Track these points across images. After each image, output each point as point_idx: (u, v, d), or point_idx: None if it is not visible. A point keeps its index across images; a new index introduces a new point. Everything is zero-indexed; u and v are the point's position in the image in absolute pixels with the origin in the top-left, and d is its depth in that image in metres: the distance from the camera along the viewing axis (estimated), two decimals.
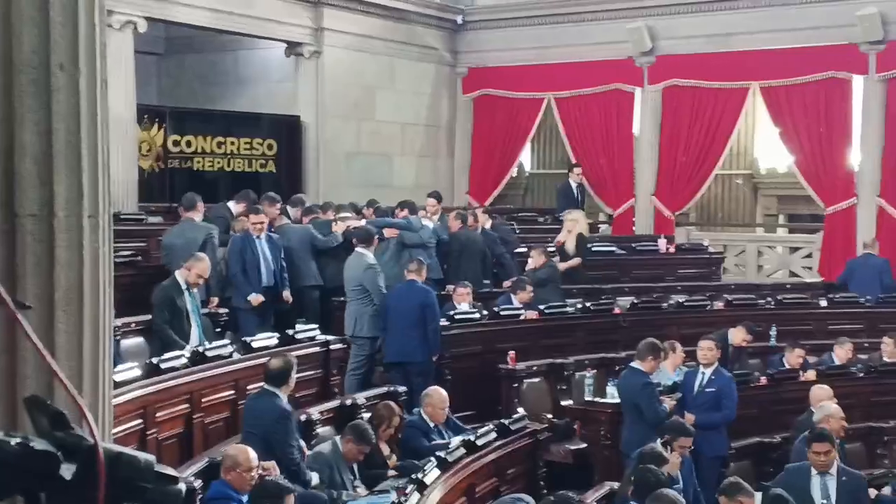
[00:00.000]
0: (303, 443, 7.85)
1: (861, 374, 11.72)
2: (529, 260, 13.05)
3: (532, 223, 16.62)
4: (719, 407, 9.77)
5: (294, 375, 7.88)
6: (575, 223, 13.83)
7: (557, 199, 17.65)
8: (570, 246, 13.60)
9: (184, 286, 9.50)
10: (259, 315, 10.89)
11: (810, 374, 11.42)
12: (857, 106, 16.02)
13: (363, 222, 12.39)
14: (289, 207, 12.72)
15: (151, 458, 1.62)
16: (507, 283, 12.72)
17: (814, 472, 8.30)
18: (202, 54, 18.31)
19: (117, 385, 6.72)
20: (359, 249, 11.13)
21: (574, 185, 17.21)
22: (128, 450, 1.62)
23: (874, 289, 14.00)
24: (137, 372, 7.59)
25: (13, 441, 1.54)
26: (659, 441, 8.55)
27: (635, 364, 9.55)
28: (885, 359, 12.19)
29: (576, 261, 13.50)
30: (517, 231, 15.27)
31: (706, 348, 10.03)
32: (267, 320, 10.91)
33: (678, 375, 10.35)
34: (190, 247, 10.44)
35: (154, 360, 8.00)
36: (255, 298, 10.84)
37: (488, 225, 13.74)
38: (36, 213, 2.63)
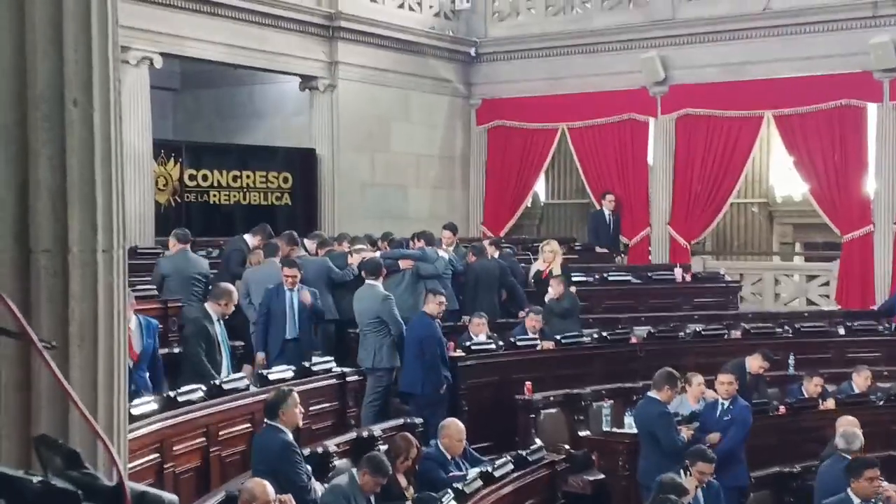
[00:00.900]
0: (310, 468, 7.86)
1: (880, 403, 11.62)
2: (550, 289, 12.92)
3: None
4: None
5: (290, 406, 7.77)
6: (554, 254, 13.61)
7: (589, 226, 17.62)
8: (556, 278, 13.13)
9: (215, 317, 9.56)
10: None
11: (829, 403, 11.34)
12: (872, 133, 15.98)
13: (378, 254, 12.38)
14: (306, 241, 12.75)
15: (174, 498, 1.60)
16: (522, 314, 12.65)
17: (856, 501, 8.13)
18: (217, 89, 18.43)
19: (134, 419, 6.71)
20: (369, 281, 11.11)
21: (607, 213, 17.18)
22: (151, 489, 1.60)
23: None
24: (154, 406, 7.58)
25: (34, 479, 1.53)
26: (680, 469, 8.50)
27: (652, 394, 9.49)
28: None
29: (572, 289, 13.36)
30: (534, 260, 15.22)
31: (726, 382, 9.96)
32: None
33: (701, 406, 10.29)
34: (191, 278, 10.99)
35: (171, 394, 7.99)
36: (259, 358, 10.82)
37: (495, 255, 13.61)
38: (50, 249, 2.63)
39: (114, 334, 2.76)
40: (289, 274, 10.94)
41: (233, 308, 9.86)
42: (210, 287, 10.50)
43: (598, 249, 17.00)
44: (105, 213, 2.70)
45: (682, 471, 8.55)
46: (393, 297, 11.11)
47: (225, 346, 9.70)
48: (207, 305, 9.71)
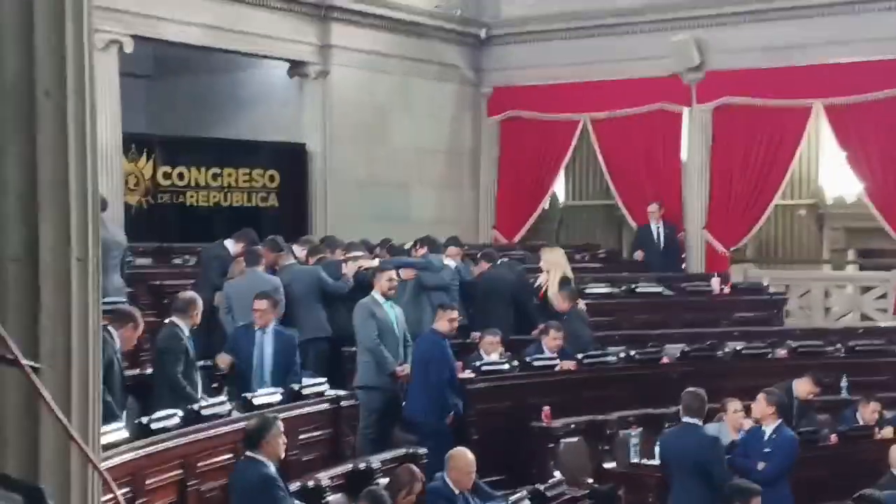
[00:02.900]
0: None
1: None
2: (555, 302, 12.82)
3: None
4: None
5: (274, 436, 7.79)
6: (549, 265, 13.29)
7: (633, 245, 17.63)
8: (553, 293, 12.85)
9: (186, 332, 9.57)
10: None
11: (887, 432, 11.35)
12: None
13: (376, 262, 12.40)
14: (294, 247, 12.75)
15: None
16: (536, 332, 12.53)
17: None
18: (195, 76, 18.46)
19: (103, 448, 6.75)
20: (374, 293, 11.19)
21: (654, 227, 17.12)
22: None
23: None
24: (125, 433, 7.60)
25: None
26: None
27: (691, 419, 9.45)
28: None
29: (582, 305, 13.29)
30: None
31: (758, 400, 10.10)
32: None
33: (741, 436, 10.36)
34: (108, 250, 10.77)
35: (143, 420, 8.01)
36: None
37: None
38: (19, 258, 2.66)
39: (88, 352, 2.80)
40: (258, 308, 10.25)
41: (199, 318, 9.83)
42: (130, 261, 10.87)
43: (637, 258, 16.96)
44: (80, 217, 2.74)
45: None
46: (366, 304, 11.08)
47: (196, 364, 9.72)
48: (175, 319, 9.68)
